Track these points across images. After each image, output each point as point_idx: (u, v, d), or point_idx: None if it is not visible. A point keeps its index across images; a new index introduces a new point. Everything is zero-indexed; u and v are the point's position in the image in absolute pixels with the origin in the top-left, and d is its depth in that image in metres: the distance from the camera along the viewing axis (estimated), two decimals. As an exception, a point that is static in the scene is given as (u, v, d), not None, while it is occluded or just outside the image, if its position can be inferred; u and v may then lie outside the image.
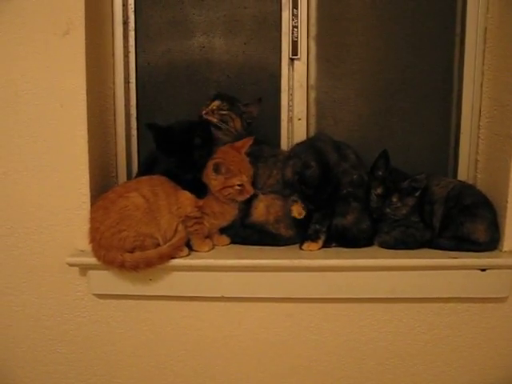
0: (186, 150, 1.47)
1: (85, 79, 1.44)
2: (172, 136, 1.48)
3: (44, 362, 1.58)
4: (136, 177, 1.63)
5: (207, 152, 1.49)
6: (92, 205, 1.48)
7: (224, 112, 1.54)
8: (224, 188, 1.46)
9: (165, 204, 1.44)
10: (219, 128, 1.55)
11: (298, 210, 1.47)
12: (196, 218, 1.47)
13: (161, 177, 1.48)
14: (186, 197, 1.47)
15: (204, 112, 1.54)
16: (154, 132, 1.48)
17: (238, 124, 1.56)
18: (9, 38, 1.43)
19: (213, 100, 1.56)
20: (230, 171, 1.45)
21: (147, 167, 1.59)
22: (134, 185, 1.48)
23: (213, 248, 1.51)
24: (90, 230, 1.43)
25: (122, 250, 1.39)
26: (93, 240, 1.42)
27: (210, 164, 1.45)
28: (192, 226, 1.47)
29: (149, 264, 1.40)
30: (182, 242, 1.46)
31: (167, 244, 1.43)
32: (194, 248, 1.49)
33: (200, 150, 1.48)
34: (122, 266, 1.39)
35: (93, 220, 1.44)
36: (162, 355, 1.55)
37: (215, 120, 1.54)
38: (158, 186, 1.46)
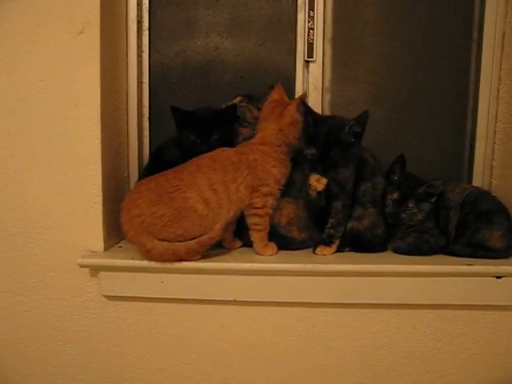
0: (210, 125, 1.51)
1: (99, 79, 1.43)
2: (193, 117, 1.52)
3: (53, 362, 1.57)
4: (143, 170, 1.62)
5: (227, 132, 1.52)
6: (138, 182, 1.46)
7: (243, 104, 1.57)
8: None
9: (224, 198, 1.40)
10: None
11: (315, 179, 1.46)
12: (256, 207, 1.44)
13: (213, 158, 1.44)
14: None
15: (224, 106, 1.57)
16: (176, 112, 1.53)
17: (255, 113, 1.57)
18: (23, 36, 1.42)
19: (236, 96, 1.59)
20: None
21: (154, 160, 1.61)
22: (192, 179, 1.40)
23: (277, 252, 1.49)
24: (128, 201, 1.38)
25: (156, 238, 1.36)
26: (126, 212, 1.37)
27: (293, 107, 1.43)
28: (252, 216, 1.45)
29: (175, 256, 1.38)
30: (212, 241, 1.40)
31: (196, 240, 1.39)
32: (257, 251, 1.47)
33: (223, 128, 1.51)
34: (148, 253, 1.37)
35: (136, 194, 1.39)
36: (171, 358, 1.54)
37: None
38: (214, 178, 1.39)
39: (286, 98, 1.52)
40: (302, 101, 1.46)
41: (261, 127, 1.49)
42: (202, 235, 1.38)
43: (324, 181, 1.45)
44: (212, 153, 1.46)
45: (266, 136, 1.46)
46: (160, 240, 1.36)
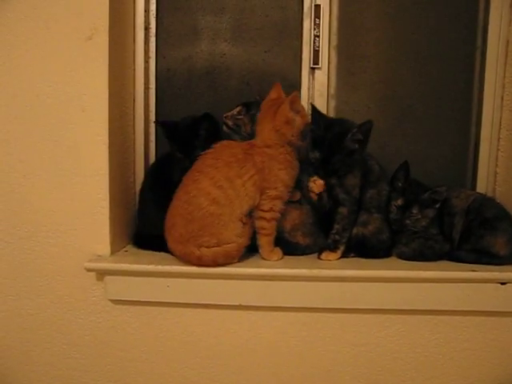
0: (189, 139, 1.54)
1: (107, 84, 1.44)
2: (177, 128, 1.55)
3: (58, 366, 1.57)
4: (143, 185, 1.65)
5: (209, 143, 1.50)
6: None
7: (240, 117, 1.59)
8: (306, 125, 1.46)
9: (232, 193, 1.41)
10: (234, 131, 1.60)
11: (317, 182, 1.49)
12: (263, 210, 1.45)
13: (212, 161, 1.44)
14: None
15: (224, 115, 1.59)
16: (162, 127, 1.60)
17: (248, 128, 1.58)
18: (32, 42, 1.44)
19: (237, 106, 1.60)
20: (301, 108, 1.47)
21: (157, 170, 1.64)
22: (197, 185, 1.42)
23: (282, 257, 1.50)
24: (167, 229, 1.43)
25: (200, 247, 1.40)
26: (169, 238, 1.43)
27: (286, 106, 1.42)
28: (259, 220, 1.46)
29: (228, 257, 1.41)
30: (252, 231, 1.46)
31: (244, 237, 1.43)
32: (263, 256, 1.48)
33: (202, 140, 1.53)
34: (199, 261, 1.39)
35: (169, 223, 1.43)
36: (177, 362, 1.54)
37: (230, 123, 1.59)
38: (217, 176, 1.41)
39: (284, 96, 1.51)
40: (313, 105, 1.47)
41: (259, 129, 1.49)
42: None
43: (320, 182, 1.46)
44: (216, 149, 1.46)
45: (264, 138, 1.46)
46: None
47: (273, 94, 1.51)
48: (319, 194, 1.51)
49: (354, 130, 1.41)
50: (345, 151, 1.42)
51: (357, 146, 1.42)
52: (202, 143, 1.52)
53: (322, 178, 1.48)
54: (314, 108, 1.48)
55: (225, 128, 1.60)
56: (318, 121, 1.45)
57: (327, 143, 1.41)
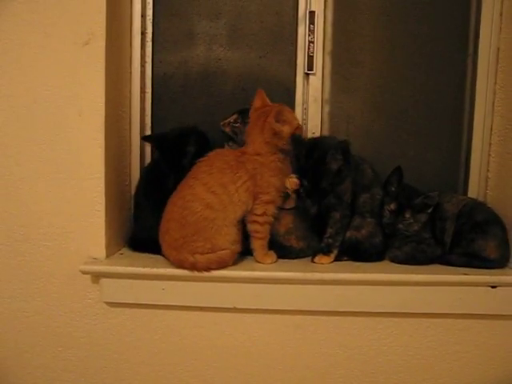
0: (177, 154, 1.56)
1: (104, 89, 1.45)
2: (166, 140, 1.59)
3: (53, 368, 1.57)
4: (138, 188, 1.66)
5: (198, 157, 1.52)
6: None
7: (236, 125, 1.60)
8: (294, 132, 1.48)
9: (225, 198, 1.43)
10: (232, 139, 1.61)
11: (291, 180, 1.48)
12: (256, 214, 1.47)
13: (207, 168, 1.46)
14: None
15: (222, 123, 1.60)
16: (151, 142, 1.65)
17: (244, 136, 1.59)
18: (30, 46, 1.45)
19: (233, 113, 1.61)
20: (288, 117, 1.48)
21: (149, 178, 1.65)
22: (192, 191, 1.44)
23: (276, 261, 1.51)
24: (162, 234, 1.45)
25: (194, 252, 1.41)
26: (163, 243, 1.45)
27: (271, 119, 1.44)
28: (252, 223, 1.47)
29: (222, 264, 1.42)
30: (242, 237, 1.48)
31: (237, 244, 1.45)
32: (257, 259, 1.50)
33: (192, 156, 1.54)
34: (193, 267, 1.40)
35: (164, 227, 1.45)
36: (172, 364, 1.55)
37: (228, 131, 1.60)
38: (211, 182, 1.43)
39: (268, 102, 1.53)
40: (295, 133, 1.48)
41: (250, 140, 1.51)
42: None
43: (294, 181, 1.47)
44: (209, 156, 1.48)
45: (256, 148, 1.49)
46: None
47: (257, 102, 1.53)
48: (298, 194, 1.50)
49: (331, 152, 1.42)
50: (329, 173, 1.43)
51: (340, 164, 1.43)
52: (190, 161, 1.53)
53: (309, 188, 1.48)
54: (293, 138, 1.47)
55: (226, 134, 1.62)
56: (300, 150, 1.46)
57: (311, 172, 1.44)
